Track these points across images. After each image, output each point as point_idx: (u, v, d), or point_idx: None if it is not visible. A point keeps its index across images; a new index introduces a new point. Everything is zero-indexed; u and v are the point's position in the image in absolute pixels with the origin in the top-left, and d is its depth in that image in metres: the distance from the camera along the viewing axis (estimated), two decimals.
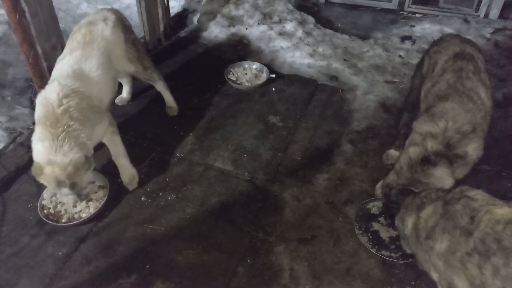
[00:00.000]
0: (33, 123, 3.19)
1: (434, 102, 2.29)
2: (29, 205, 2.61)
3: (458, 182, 2.16)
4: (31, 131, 3.13)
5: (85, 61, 2.45)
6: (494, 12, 4.76)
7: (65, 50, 2.55)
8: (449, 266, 1.68)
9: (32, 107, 3.39)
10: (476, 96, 2.22)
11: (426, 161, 2.13)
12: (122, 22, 2.83)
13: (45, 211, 2.53)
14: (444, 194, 1.83)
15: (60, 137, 2.13)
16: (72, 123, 2.18)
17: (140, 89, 3.68)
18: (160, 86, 3.29)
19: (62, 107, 2.19)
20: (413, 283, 2.24)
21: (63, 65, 2.42)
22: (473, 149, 2.12)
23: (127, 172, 2.73)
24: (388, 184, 2.32)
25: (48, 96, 2.24)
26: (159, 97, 3.60)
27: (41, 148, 2.16)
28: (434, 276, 1.81)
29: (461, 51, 2.40)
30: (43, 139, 2.15)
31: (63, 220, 2.49)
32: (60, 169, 2.12)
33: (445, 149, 2.12)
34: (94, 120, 2.35)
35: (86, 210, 2.55)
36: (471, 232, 1.62)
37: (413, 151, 2.19)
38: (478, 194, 1.75)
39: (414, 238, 1.90)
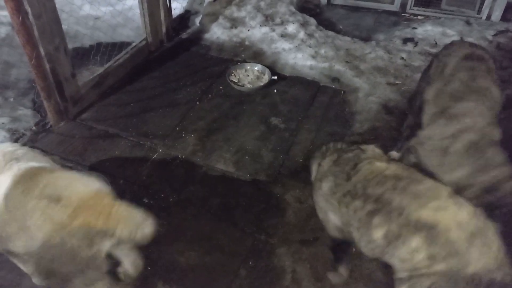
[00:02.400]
0: (35, 125, 3.22)
1: (449, 103, 2.23)
2: None
3: None
4: (34, 132, 3.16)
5: None
6: (496, 14, 4.75)
7: None
8: (328, 203, 1.98)
9: (34, 108, 3.40)
10: (489, 94, 2.23)
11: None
12: None
13: None
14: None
15: None
16: None
17: (140, 89, 3.69)
18: None
19: None
20: None
21: None
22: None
23: None
24: None
25: None
26: (162, 96, 3.61)
27: None
28: (319, 214, 2.11)
29: (472, 52, 2.41)
30: None
31: None
32: None
33: None
34: None
35: None
36: (350, 177, 1.89)
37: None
38: (369, 148, 2.01)
39: (314, 183, 2.12)
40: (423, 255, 1.65)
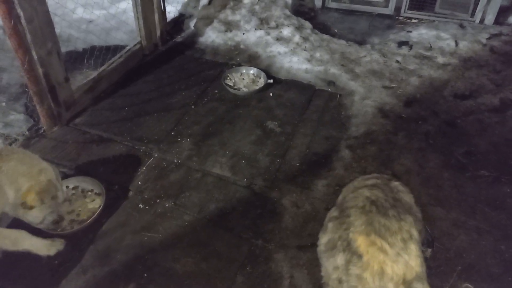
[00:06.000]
0: (28, 130, 3.18)
1: None
2: None
3: None
4: (26, 137, 3.11)
5: None
6: (490, 18, 4.79)
7: None
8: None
9: (27, 113, 3.36)
10: None
11: None
12: None
13: None
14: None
15: None
16: None
17: (134, 93, 3.66)
18: None
19: None
20: None
21: None
22: None
23: None
24: None
25: None
26: (157, 100, 3.58)
27: None
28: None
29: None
30: None
31: (59, 229, 2.45)
32: None
33: None
34: None
35: (83, 217, 2.51)
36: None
37: None
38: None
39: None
40: (336, 275, 1.69)
